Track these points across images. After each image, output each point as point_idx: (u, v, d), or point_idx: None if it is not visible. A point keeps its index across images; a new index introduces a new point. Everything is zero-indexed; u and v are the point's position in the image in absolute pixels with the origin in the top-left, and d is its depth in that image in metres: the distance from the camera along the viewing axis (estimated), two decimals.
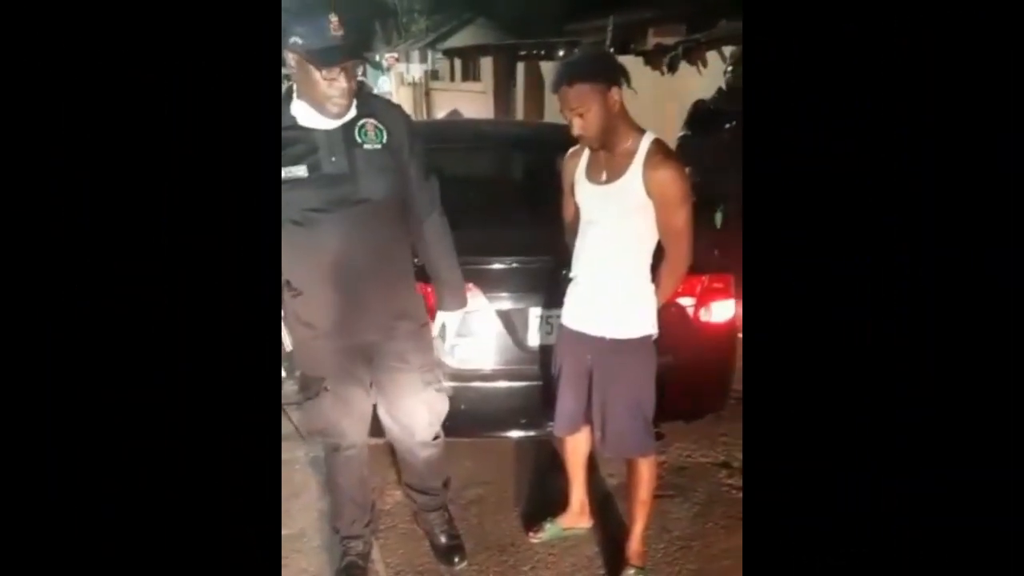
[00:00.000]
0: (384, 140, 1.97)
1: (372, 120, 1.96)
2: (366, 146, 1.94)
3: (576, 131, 2.03)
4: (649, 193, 2.00)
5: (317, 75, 1.81)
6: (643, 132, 2.06)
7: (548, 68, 10.66)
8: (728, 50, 5.21)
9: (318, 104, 1.87)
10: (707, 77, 5.70)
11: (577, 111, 1.99)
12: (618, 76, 2.02)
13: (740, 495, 2.80)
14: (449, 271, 2.22)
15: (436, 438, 2.37)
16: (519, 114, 10.81)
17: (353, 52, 1.87)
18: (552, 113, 10.44)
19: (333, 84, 1.83)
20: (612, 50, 7.29)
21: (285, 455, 3.01)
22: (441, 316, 2.27)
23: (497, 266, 2.69)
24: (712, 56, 5.94)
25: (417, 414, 2.27)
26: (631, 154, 2.03)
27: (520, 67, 11.13)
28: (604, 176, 2.08)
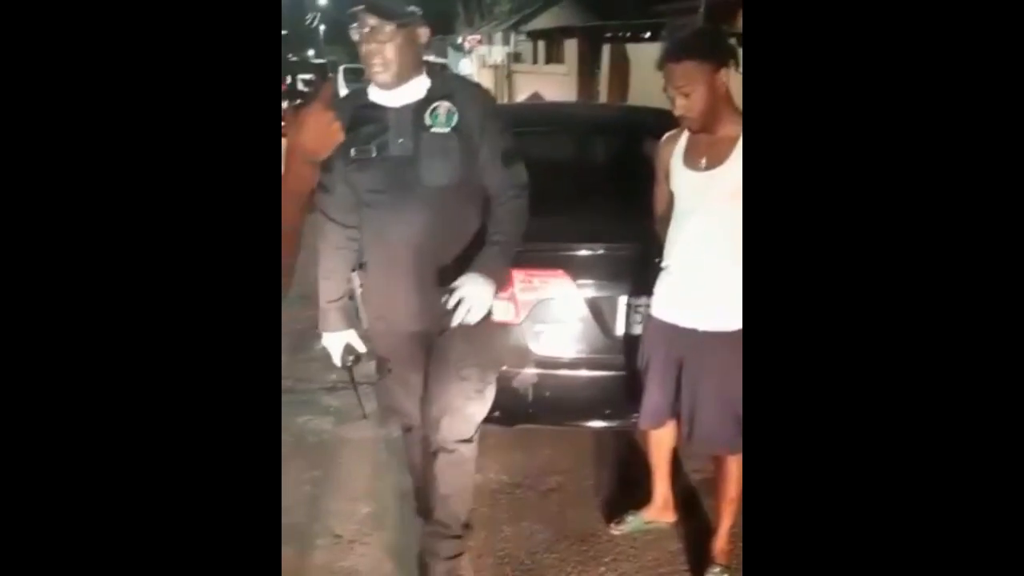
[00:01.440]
0: (455, 123, 1.89)
1: (446, 103, 1.89)
2: (434, 129, 1.88)
3: (678, 111, 1.98)
4: None
5: (359, 39, 1.79)
6: None
7: (634, 50, 10.48)
8: None
9: (369, 73, 1.85)
10: None
11: (683, 90, 1.93)
12: (728, 56, 1.95)
13: None
14: (495, 253, 1.90)
15: (462, 442, 2.03)
16: (603, 97, 10.68)
17: (374, 5, 1.79)
18: (636, 96, 10.27)
19: (369, 49, 1.79)
20: None
21: (360, 434, 3.08)
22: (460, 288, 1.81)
23: (584, 252, 2.66)
24: None
25: (445, 410, 1.99)
26: (733, 140, 1.96)
27: (605, 49, 10.98)
28: (704, 162, 2.02)
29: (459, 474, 2.05)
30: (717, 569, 2.24)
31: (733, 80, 1.95)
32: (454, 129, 1.89)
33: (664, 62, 1.96)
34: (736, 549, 2.28)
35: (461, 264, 1.89)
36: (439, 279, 1.91)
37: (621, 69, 10.60)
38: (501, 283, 1.91)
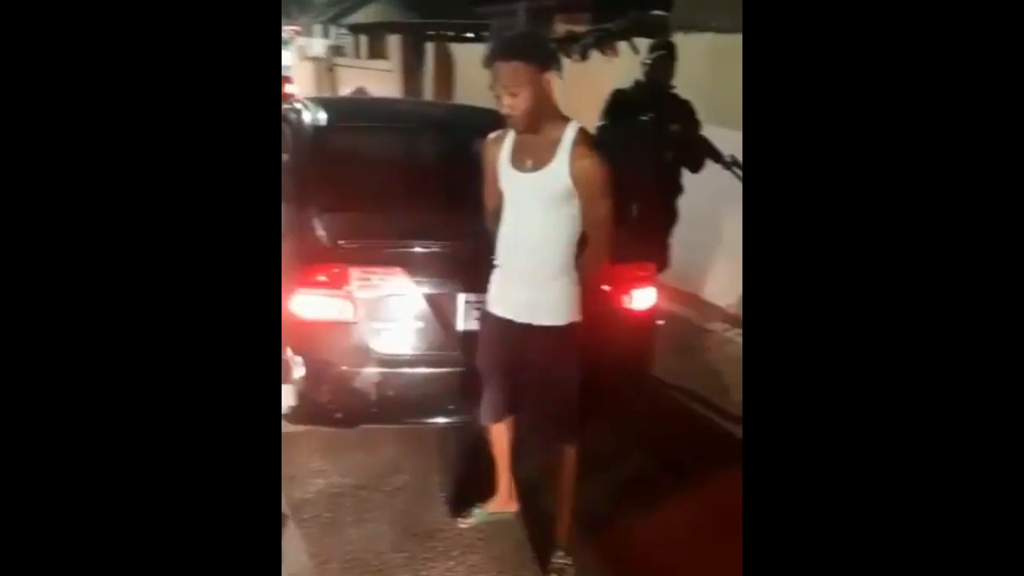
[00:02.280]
0: None
1: None
2: None
3: (505, 109, 2.03)
4: (574, 182, 2.03)
5: None
6: (568, 120, 2.08)
7: (458, 49, 10.58)
8: (642, 42, 5.32)
9: None
10: (618, 68, 5.79)
11: (509, 89, 1.99)
12: (553, 61, 2.04)
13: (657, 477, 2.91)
14: None
15: None
16: (428, 94, 10.69)
17: None
18: (461, 95, 10.37)
19: None
20: None
21: None
22: None
23: (422, 249, 2.66)
24: (623, 47, 6.05)
25: None
26: (556, 142, 2.05)
27: (429, 47, 11.00)
28: (529, 164, 2.09)
29: None
30: (560, 552, 2.34)
31: (556, 84, 2.05)
32: None
33: (492, 60, 2.01)
34: (575, 532, 2.40)
35: None
36: None
37: (446, 67, 10.66)
38: None
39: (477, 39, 9.25)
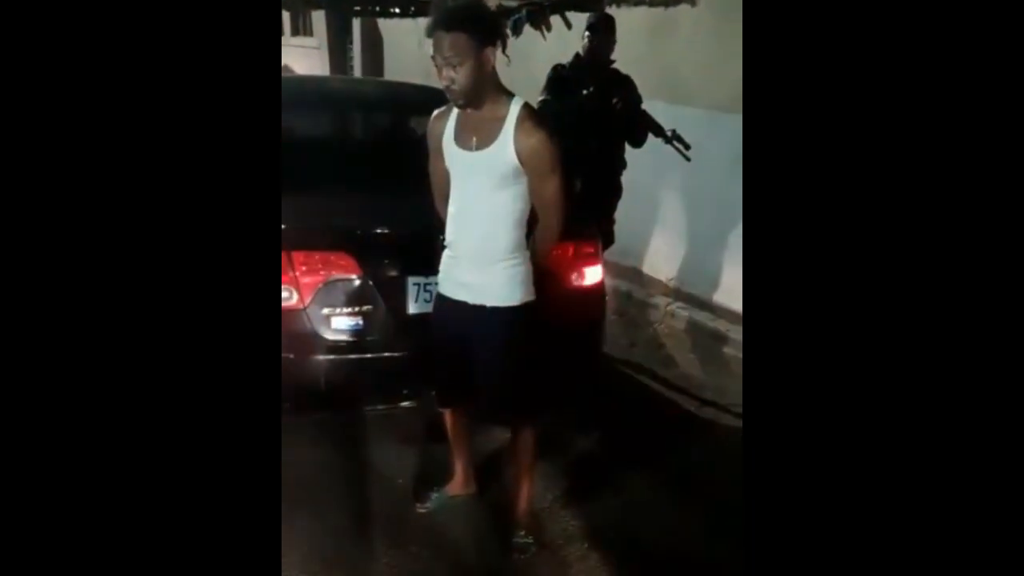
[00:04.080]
0: None
1: None
2: None
3: (445, 82, 1.96)
4: (521, 160, 1.99)
5: None
6: (512, 96, 2.04)
7: (385, 26, 10.35)
8: (574, 16, 5.29)
9: None
10: (552, 43, 5.75)
11: (450, 60, 1.92)
12: (497, 36, 1.98)
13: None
14: None
15: None
16: (357, 72, 10.43)
17: None
18: (390, 72, 10.16)
19: None
20: None
21: None
22: None
23: (367, 232, 2.60)
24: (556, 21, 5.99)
25: None
26: (501, 119, 2.00)
27: (356, 23, 10.72)
28: (474, 142, 2.03)
29: None
30: (522, 533, 2.33)
31: (499, 60, 1.99)
32: None
33: (434, 30, 1.94)
34: (534, 514, 2.40)
35: None
36: None
37: (373, 43, 10.42)
38: None
39: (403, 14, 9.04)
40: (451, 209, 2.15)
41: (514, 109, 1.99)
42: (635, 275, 5.06)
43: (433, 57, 1.96)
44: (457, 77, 1.93)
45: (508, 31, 6.59)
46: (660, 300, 4.67)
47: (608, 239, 3.83)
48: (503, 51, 2.01)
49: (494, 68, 1.98)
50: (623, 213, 4.06)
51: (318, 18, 12.28)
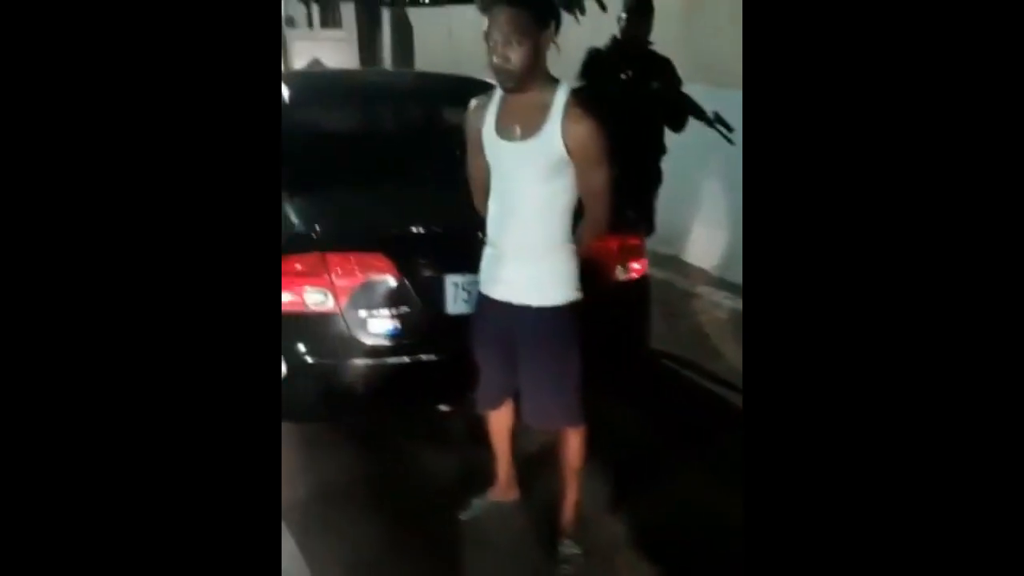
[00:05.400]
0: None
1: None
2: None
3: (498, 60, 1.84)
4: (568, 149, 1.87)
5: None
6: (558, 82, 1.92)
7: (415, 15, 10.27)
8: None
9: None
10: (585, 26, 5.61)
11: (509, 38, 1.80)
12: (556, 20, 1.87)
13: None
14: None
15: None
16: (387, 63, 10.37)
17: None
18: (421, 63, 10.09)
19: None
20: None
21: None
22: None
23: (404, 231, 2.52)
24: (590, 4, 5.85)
25: None
26: (546, 107, 1.88)
27: (385, 13, 10.65)
28: (518, 132, 1.92)
29: None
30: (568, 542, 2.24)
31: (551, 44, 1.88)
32: None
33: (492, 4, 1.82)
34: (582, 521, 2.30)
35: None
36: None
37: (403, 34, 10.34)
38: None
39: (432, 2, 8.96)
40: (492, 204, 2.05)
41: (560, 96, 1.88)
42: (676, 264, 4.93)
43: (486, 34, 1.84)
44: (513, 57, 1.81)
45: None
46: (703, 289, 4.53)
47: (649, 228, 3.71)
48: (556, 35, 1.89)
49: (546, 52, 1.87)
50: (663, 199, 3.93)
51: (347, 9, 12.26)
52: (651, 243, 3.79)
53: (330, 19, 14.18)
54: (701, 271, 4.80)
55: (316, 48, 12.85)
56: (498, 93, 1.97)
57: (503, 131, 1.95)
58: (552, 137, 1.87)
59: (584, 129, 1.85)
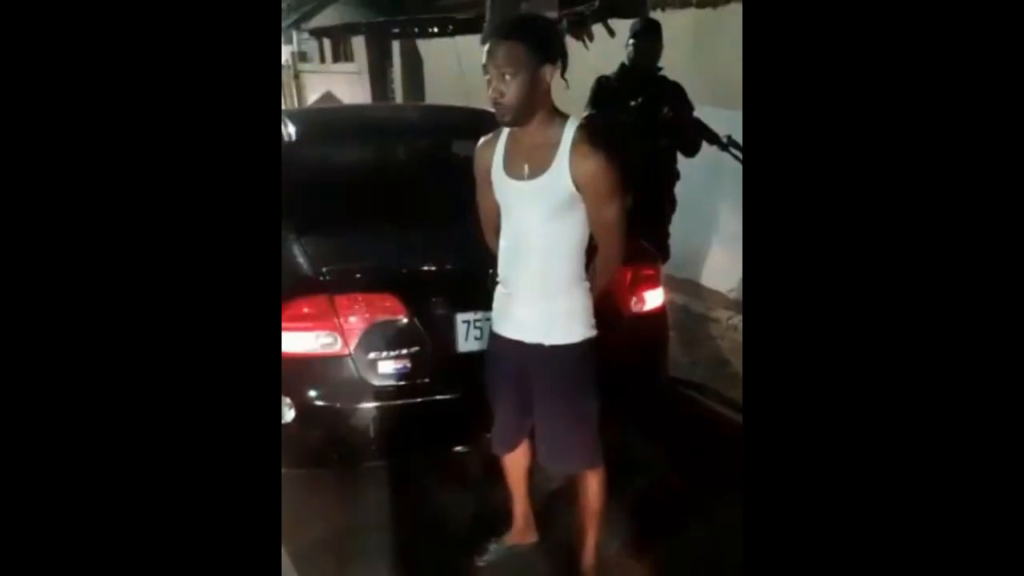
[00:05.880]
0: None
1: None
2: None
3: (493, 94, 1.80)
4: (578, 186, 1.82)
5: None
6: (566, 118, 1.88)
7: (425, 47, 10.33)
8: (617, 23, 5.12)
9: None
10: (593, 53, 5.59)
11: (503, 70, 1.76)
12: (558, 55, 1.83)
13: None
14: None
15: None
16: (398, 96, 10.44)
17: None
18: (431, 96, 10.13)
19: None
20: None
21: None
22: None
23: (415, 269, 2.48)
24: (599, 30, 5.83)
25: None
26: (554, 144, 1.84)
27: (395, 46, 10.74)
28: (526, 170, 1.87)
29: None
30: None
31: (557, 81, 1.84)
32: None
33: (489, 38, 1.80)
34: (602, 563, 2.22)
35: None
36: None
37: (414, 67, 10.40)
38: None
39: (442, 33, 9.01)
40: (503, 242, 2.00)
41: (568, 132, 1.83)
42: (693, 288, 4.85)
43: (484, 67, 1.81)
44: (507, 90, 1.77)
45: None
46: (721, 313, 4.45)
47: (664, 254, 3.65)
48: (562, 74, 1.85)
49: (549, 89, 1.83)
50: (678, 223, 3.87)
51: (359, 43, 12.38)
52: (668, 267, 3.74)
53: (342, 53, 14.35)
54: (718, 294, 4.72)
55: (328, 82, 12.97)
56: (506, 129, 1.93)
57: (512, 170, 1.91)
58: (561, 175, 1.82)
59: (592, 165, 1.81)
